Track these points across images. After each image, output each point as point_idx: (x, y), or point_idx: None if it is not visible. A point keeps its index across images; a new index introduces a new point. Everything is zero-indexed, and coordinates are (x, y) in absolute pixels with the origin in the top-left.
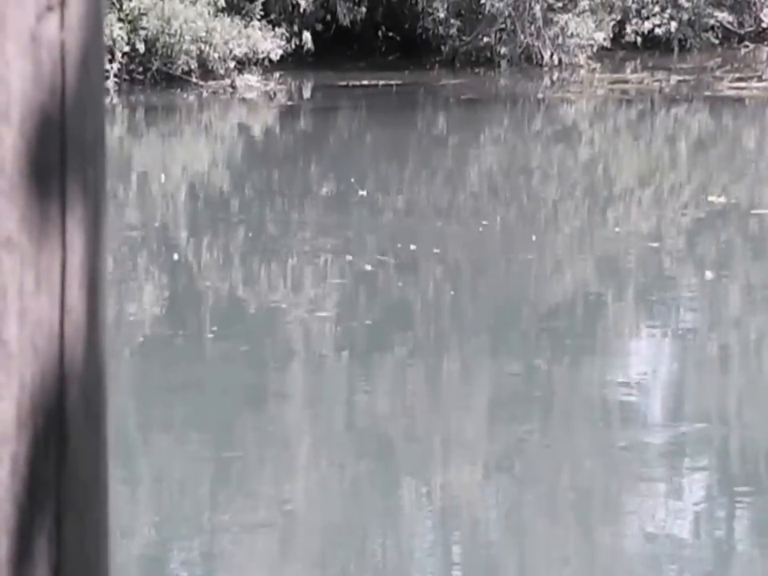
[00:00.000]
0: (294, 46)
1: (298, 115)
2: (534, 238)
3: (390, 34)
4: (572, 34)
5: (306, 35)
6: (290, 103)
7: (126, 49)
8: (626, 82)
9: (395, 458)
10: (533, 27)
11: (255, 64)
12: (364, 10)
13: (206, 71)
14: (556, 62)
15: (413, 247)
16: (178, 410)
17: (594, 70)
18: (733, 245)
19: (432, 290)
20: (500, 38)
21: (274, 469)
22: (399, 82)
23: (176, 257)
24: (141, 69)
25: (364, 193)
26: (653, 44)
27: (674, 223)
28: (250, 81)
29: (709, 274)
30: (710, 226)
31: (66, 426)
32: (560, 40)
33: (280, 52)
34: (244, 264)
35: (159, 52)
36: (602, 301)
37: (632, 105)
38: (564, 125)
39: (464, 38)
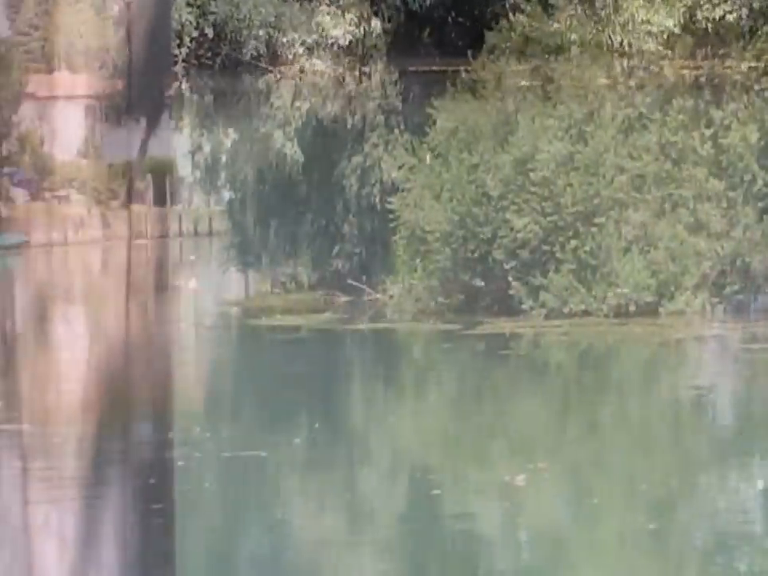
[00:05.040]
0: (363, 32)
1: (367, 100)
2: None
3: (460, 19)
4: (642, 20)
5: (376, 21)
6: (358, 88)
7: (195, 34)
8: (697, 68)
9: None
10: (603, 13)
11: (324, 49)
12: None
13: (275, 56)
14: (626, 49)
15: (477, 229)
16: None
17: (665, 56)
18: None
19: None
20: (570, 25)
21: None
22: (469, 68)
23: (244, 239)
24: (209, 54)
25: None
26: (724, 30)
27: (743, 212)
28: (319, 66)
29: None
30: None
31: (133, 409)
32: (630, 26)
33: (349, 37)
34: (312, 247)
35: (228, 37)
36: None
37: (703, 91)
38: (634, 111)
39: (534, 23)
